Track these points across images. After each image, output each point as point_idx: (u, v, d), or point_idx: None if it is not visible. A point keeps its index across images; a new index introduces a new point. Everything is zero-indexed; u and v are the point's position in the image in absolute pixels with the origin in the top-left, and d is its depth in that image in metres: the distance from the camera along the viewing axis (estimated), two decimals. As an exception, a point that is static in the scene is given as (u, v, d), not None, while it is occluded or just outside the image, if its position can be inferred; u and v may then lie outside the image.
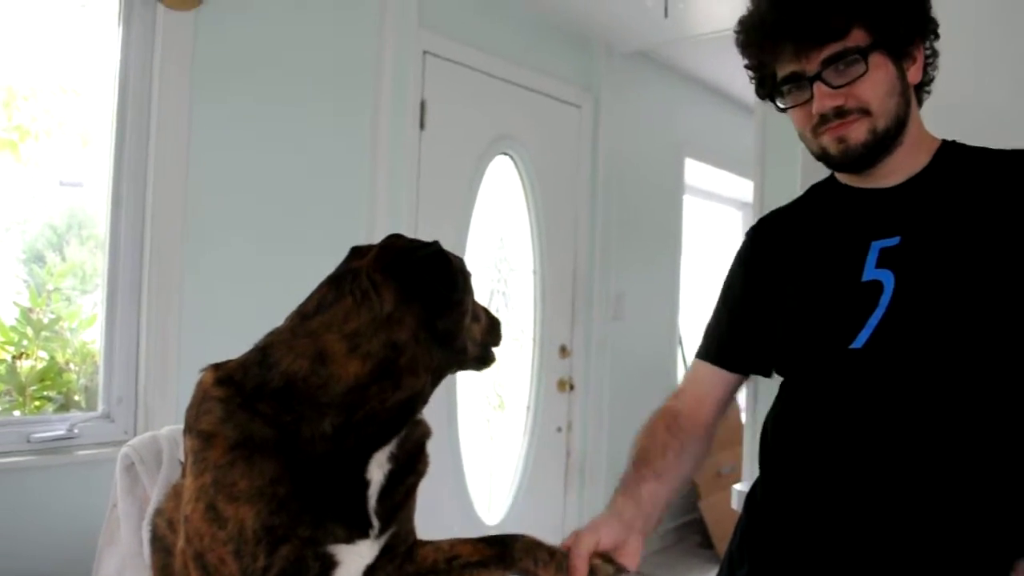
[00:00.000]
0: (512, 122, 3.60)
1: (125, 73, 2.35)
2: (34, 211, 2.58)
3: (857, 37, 1.12)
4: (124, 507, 1.47)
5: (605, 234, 4.07)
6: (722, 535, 4.17)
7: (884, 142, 1.16)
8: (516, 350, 3.78)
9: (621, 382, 4.18)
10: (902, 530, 1.09)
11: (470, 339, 1.12)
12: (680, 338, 4.98)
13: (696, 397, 1.36)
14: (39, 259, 2.52)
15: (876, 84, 1.13)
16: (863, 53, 1.12)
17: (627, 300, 4.22)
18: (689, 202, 4.99)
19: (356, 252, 1.12)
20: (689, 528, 4.84)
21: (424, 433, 1.14)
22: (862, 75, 1.12)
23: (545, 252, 3.82)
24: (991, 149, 1.19)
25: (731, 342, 1.34)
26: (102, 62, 2.39)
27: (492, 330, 1.19)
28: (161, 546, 1.19)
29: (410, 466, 1.11)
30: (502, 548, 1.13)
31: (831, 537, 1.14)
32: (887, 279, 1.13)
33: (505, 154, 3.66)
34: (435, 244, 1.05)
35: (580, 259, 3.99)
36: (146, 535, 1.34)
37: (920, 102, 1.23)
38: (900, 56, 1.16)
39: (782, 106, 1.23)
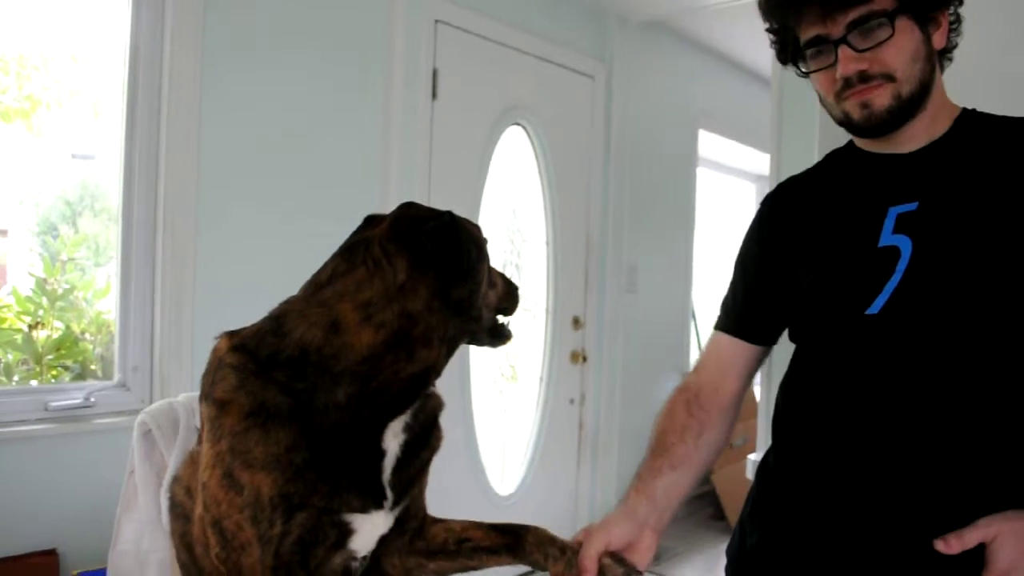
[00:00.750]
0: (525, 92, 3.57)
1: (136, 42, 2.34)
2: (47, 184, 2.58)
3: (883, 1, 1.11)
4: (141, 474, 1.47)
5: (618, 206, 4.05)
6: (734, 507, 4.18)
7: (909, 108, 1.14)
8: (529, 322, 3.78)
9: (634, 354, 4.18)
10: (915, 497, 1.08)
11: (485, 306, 1.12)
12: (693, 311, 4.97)
13: (717, 370, 1.35)
14: (53, 232, 2.54)
15: (901, 49, 1.12)
16: (890, 16, 1.10)
17: (640, 272, 4.21)
18: (703, 174, 4.96)
19: (370, 221, 1.12)
20: (702, 500, 4.86)
21: (437, 406, 1.15)
22: (888, 39, 1.11)
23: (558, 223, 3.81)
24: (1011, 117, 1.17)
25: (750, 312, 1.33)
26: (113, 31, 2.38)
27: (509, 295, 1.18)
28: (180, 512, 1.19)
29: (424, 439, 1.11)
30: (514, 538, 1.13)
31: (843, 504, 1.14)
32: (904, 245, 1.12)
33: (518, 124, 3.63)
34: (447, 213, 1.04)
35: (593, 230, 3.97)
36: (164, 502, 1.35)
37: (942, 68, 1.21)
38: (926, 20, 1.14)
39: (804, 70, 1.21)
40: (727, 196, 5.77)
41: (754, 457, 2.15)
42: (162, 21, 2.36)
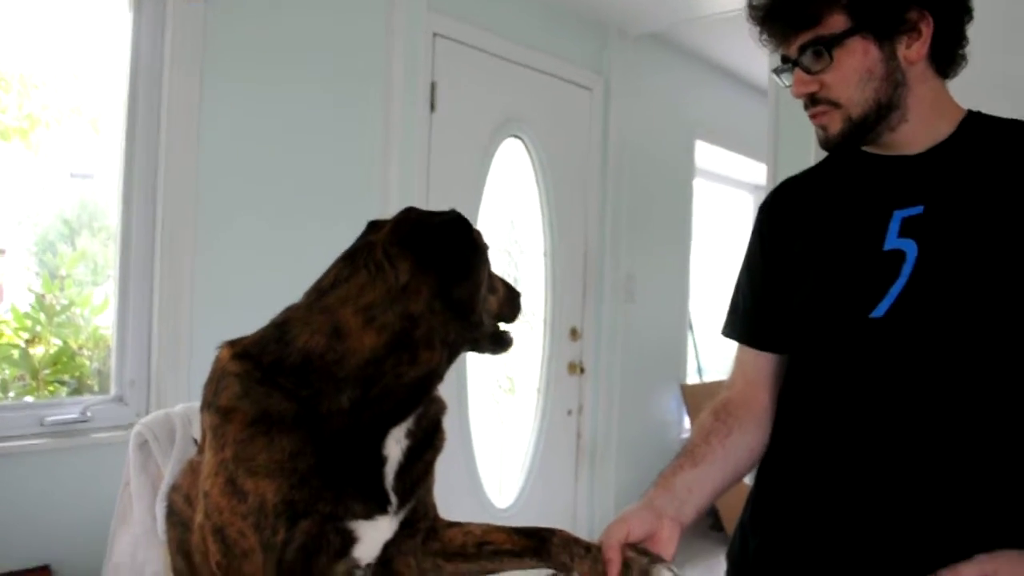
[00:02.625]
0: (522, 104, 3.58)
1: (136, 60, 2.35)
2: (46, 203, 2.58)
3: (834, 23, 1.11)
4: (137, 485, 1.47)
5: (616, 217, 4.06)
6: (732, 517, 4.17)
7: (862, 129, 1.15)
8: (527, 333, 3.78)
9: (632, 365, 4.17)
10: (918, 501, 1.08)
11: (486, 311, 1.12)
12: (691, 322, 4.97)
13: (745, 381, 1.33)
14: (51, 250, 2.54)
15: (846, 74, 1.12)
16: (834, 41, 1.11)
17: (638, 283, 4.21)
18: (700, 185, 4.96)
19: (373, 226, 1.12)
20: (700, 511, 4.84)
21: (440, 409, 1.14)
22: (828, 66, 1.12)
23: (556, 235, 3.81)
24: (1017, 120, 1.17)
25: (762, 322, 1.31)
26: (113, 49, 2.38)
27: (510, 302, 1.18)
28: (177, 520, 1.19)
29: (427, 442, 1.11)
30: (539, 541, 1.11)
31: (846, 508, 1.14)
32: (910, 248, 1.12)
33: (516, 136, 3.64)
34: (453, 211, 1.05)
35: (591, 242, 3.98)
36: (160, 512, 1.35)
37: (946, 73, 1.19)
38: (889, 35, 1.13)
39: (785, 83, 1.23)
40: (724, 207, 5.77)
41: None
42: (162, 39, 2.37)
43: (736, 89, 5.00)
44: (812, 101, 1.16)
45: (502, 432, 3.76)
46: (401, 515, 1.07)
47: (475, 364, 3.48)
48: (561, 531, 1.12)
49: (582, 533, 4.19)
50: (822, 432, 1.19)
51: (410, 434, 1.06)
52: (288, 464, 0.95)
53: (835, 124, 1.15)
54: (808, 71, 1.14)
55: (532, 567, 1.12)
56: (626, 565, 1.05)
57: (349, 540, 1.02)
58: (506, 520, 3.49)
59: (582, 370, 3.95)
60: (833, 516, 1.15)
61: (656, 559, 1.07)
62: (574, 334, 3.92)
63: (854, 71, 1.12)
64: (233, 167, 2.51)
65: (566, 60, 3.77)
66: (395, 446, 1.04)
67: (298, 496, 0.96)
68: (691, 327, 5.02)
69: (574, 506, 3.93)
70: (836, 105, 1.14)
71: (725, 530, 4.46)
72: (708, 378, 5.30)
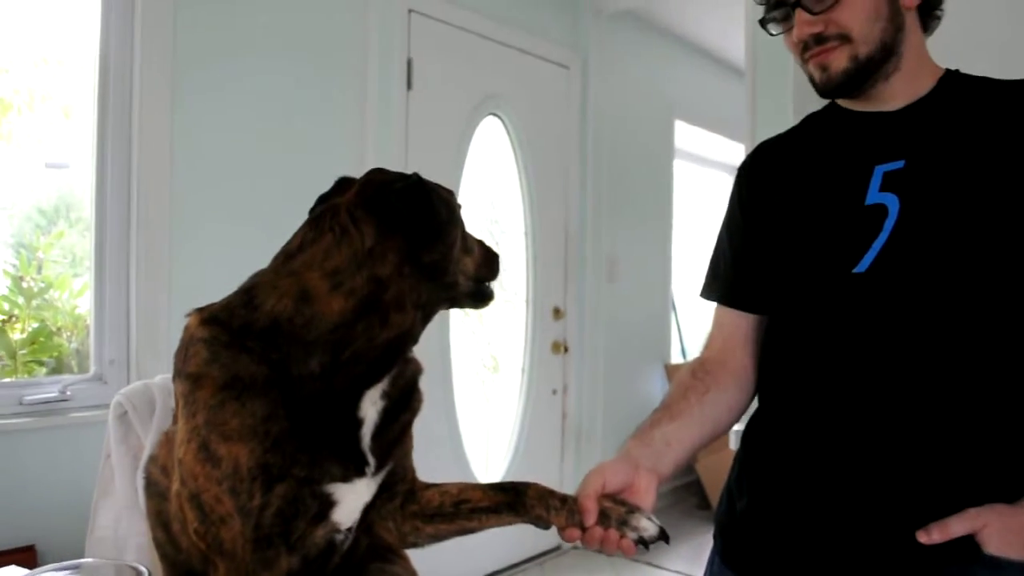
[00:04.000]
0: (500, 82, 3.57)
1: (106, 44, 2.33)
2: (21, 195, 2.55)
3: None
4: (117, 456, 1.46)
5: (596, 197, 4.06)
6: (719, 496, 4.20)
7: (867, 68, 1.14)
8: (509, 312, 3.78)
9: (615, 345, 4.19)
10: (904, 456, 1.08)
11: (461, 272, 1.10)
12: (673, 301, 4.99)
13: (723, 341, 1.32)
14: (26, 244, 2.51)
15: (856, 9, 1.12)
16: None
17: (620, 263, 4.22)
18: (680, 167, 4.98)
19: (341, 184, 1.11)
20: (687, 489, 4.87)
21: (416, 370, 1.13)
22: (837, 2, 1.11)
23: (536, 214, 3.81)
24: (995, 79, 1.17)
25: (742, 281, 1.31)
26: (83, 32, 2.36)
27: (488, 263, 1.16)
28: (155, 491, 1.18)
29: (404, 403, 1.10)
30: (515, 495, 1.10)
31: (832, 463, 1.14)
32: (892, 203, 1.12)
33: (494, 115, 3.63)
34: (415, 175, 1.03)
35: (572, 221, 3.98)
36: (140, 483, 1.34)
37: (928, 27, 1.20)
38: None
39: (772, 32, 1.21)
40: (704, 188, 5.78)
41: (738, 427, 2.14)
42: (132, 21, 2.34)
43: (714, 69, 5.01)
44: (817, 40, 1.14)
45: (488, 411, 3.76)
46: (379, 477, 1.06)
47: (460, 344, 3.48)
48: (536, 484, 1.11)
49: (568, 508, 4.15)
50: (806, 389, 1.19)
51: (385, 395, 1.05)
52: (261, 427, 0.94)
53: (840, 61, 1.14)
54: (811, 11, 1.13)
55: (509, 522, 1.12)
56: (604, 515, 1.05)
57: (327, 504, 1.00)
58: (492, 499, 3.50)
59: (566, 349, 3.95)
60: (819, 473, 1.15)
61: (633, 508, 1.07)
62: (557, 313, 3.92)
63: (864, 6, 1.12)
64: (207, 148, 2.50)
65: (543, 37, 3.76)
66: (371, 407, 1.03)
67: (272, 459, 0.94)
68: (674, 307, 5.04)
69: (560, 485, 3.89)
70: (846, 39, 1.12)
71: (711, 507, 4.49)
72: (692, 357, 5.31)
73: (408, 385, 1.11)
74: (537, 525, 1.09)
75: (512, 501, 1.10)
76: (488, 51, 3.50)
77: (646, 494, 1.09)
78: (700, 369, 1.30)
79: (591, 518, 1.03)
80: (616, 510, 1.06)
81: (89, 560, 0.88)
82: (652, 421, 1.22)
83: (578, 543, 1.06)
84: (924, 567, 1.05)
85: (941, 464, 1.07)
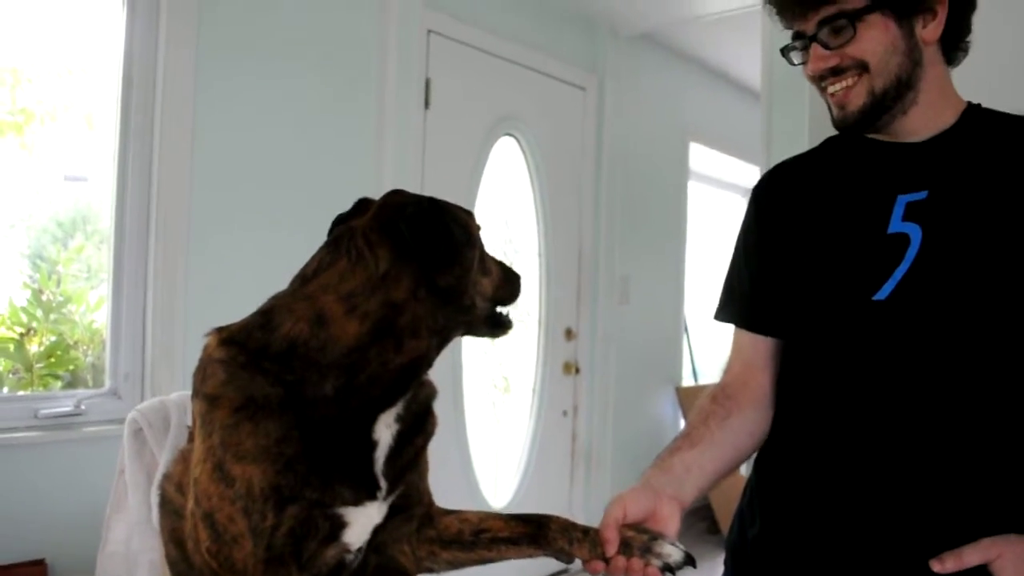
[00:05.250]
0: (517, 103, 3.59)
1: (130, 56, 2.35)
2: (39, 207, 2.58)
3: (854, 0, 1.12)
4: (131, 473, 1.46)
5: (610, 218, 4.06)
6: (729, 521, 4.17)
7: (883, 104, 1.14)
8: (522, 332, 3.77)
9: (627, 366, 4.17)
10: (920, 486, 1.08)
11: (479, 294, 1.10)
12: (686, 324, 4.98)
13: (743, 365, 1.32)
14: (45, 254, 2.53)
15: (872, 43, 1.12)
16: (856, 16, 1.11)
17: (633, 284, 4.22)
18: (694, 188, 4.98)
19: (361, 205, 1.12)
20: (696, 515, 4.83)
21: (430, 394, 1.13)
22: (851, 39, 1.12)
23: (550, 234, 3.81)
24: (1015, 115, 1.18)
25: (760, 305, 1.30)
26: (107, 43, 2.38)
27: (507, 283, 1.16)
28: (170, 509, 1.18)
29: (418, 427, 1.10)
30: (536, 527, 1.09)
31: (848, 490, 1.13)
32: (914, 232, 1.12)
33: (510, 135, 3.65)
34: (428, 199, 1.04)
35: (585, 242, 3.98)
36: (155, 500, 1.34)
37: (953, 60, 1.20)
38: (908, 13, 1.14)
39: (794, 62, 1.22)
40: (718, 210, 5.78)
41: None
42: (156, 35, 2.37)
43: (730, 91, 5.02)
44: (833, 73, 1.15)
45: (498, 432, 3.75)
46: (390, 499, 1.06)
47: (471, 364, 3.48)
48: (558, 517, 1.10)
49: (578, 531, 4.10)
50: (823, 416, 1.18)
51: (400, 419, 1.05)
52: (274, 449, 0.95)
53: (857, 98, 1.14)
54: (827, 46, 1.14)
55: (530, 555, 1.11)
56: (626, 544, 1.04)
57: (338, 525, 1.01)
58: (502, 519, 3.48)
59: (577, 371, 3.95)
60: (834, 500, 1.15)
61: (656, 535, 1.06)
62: (569, 334, 3.92)
63: (878, 42, 1.12)
64: (227, 164, 2.51)
65: (560, 59, 3.78)
66: (385, 431, 1.03)
67: (284, 481, 0.95)
68: (686, 330, 5.02)
69: (569, 507, 3.92)
70: (864, 69, 1.13)
71: (721, 532, 4.45)
72: (704, 380, 5.30)
73: (422, 408, 1.11)
74: (559, 558, 1.09)
75: (534, 533, 1.10)
76: (505, 72, 3.51)
77: (670, 521, 1.08)
78: (721, 394, 1.29)
79: (612, 548, 1.02)
80: (638, 538, 1.05)
81: (103, 579, 0.88)
82: (671, 449, 1.22)
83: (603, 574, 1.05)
84: None
85: (957, 493, 1.06)
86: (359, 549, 1.08)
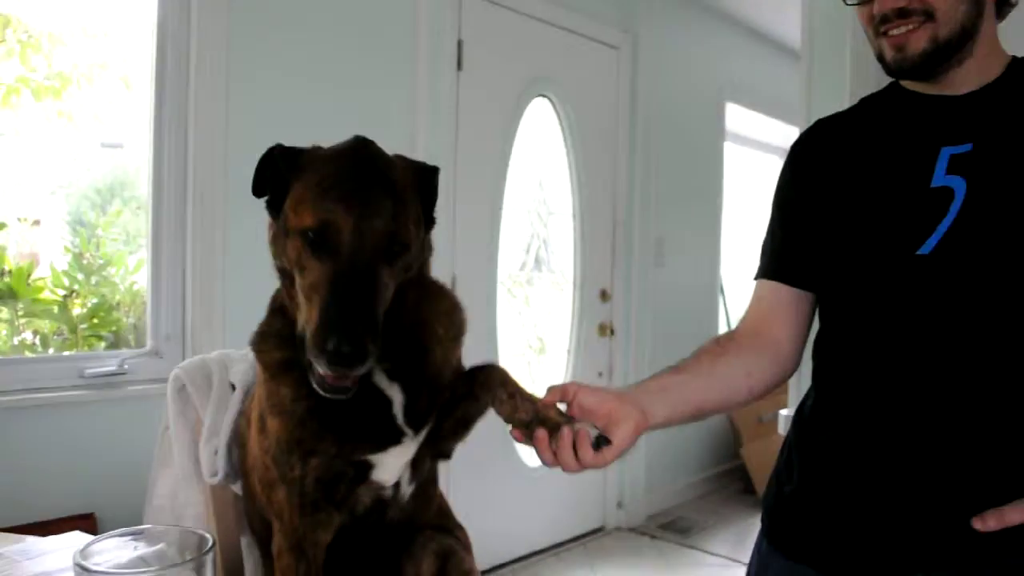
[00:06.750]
0: (550, 63, 3.56)
1: (164, 20, 2.37)
2: (78, 174, 2.61)
3: None
4: (176, 429, 1.49)
5: (645, 179, 4.03)
6: (764, 481, 4.17)
7: (945, 52, 1.11)
8: (556, 294, 3.77)
9: (662, 328, 4.16)
10: (963, 440, 1.07)
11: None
12: (721, 285, 4.94)
13: (759, 314, 1.30)
14: (84, 222, 2.58)
15: None
16: None
17: (668, 246, 4.19)
18: (730, 149, 4.91)
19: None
20: (731, 475, 4.85)
21: (442, 361, 1.13)
22: None
23: (585, 196, 3.80)
24: None
25: (789, 254, 1.29)
26: (141, 5, 2.40)
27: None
28: (242, 442, 1.27)
29: (433, 389, 1.11)
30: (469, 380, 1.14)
31: (889, 446, 1.12)
32: (958, 185, 1.10)
33: (543, 96, 3.62)
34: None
35: (619, 203, 3.96)
36: (204, 455, 1.40)
37: (1002, 14, 1.18)
38: None
39: (849, 2, 1.19)
40: (755, 170, 5.71)
41: (785, 413, 2.12)
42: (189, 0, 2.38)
43: (767, 50, 4.92)
44: (899, 14, 1.11)
45: (532, 393, 3.77)
46: (422, 435, 1.08)
47: (506, 325, 3.49)
48: (494, 369, 1.14)
49: (613, 497, 4.20)
50: (864, 371, 1.17)
51: (392, 375, 1.05)
52: (289, 407, 1.03)
53: (919, 42, 1.11)
54: None
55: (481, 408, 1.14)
56: (553, 426, 1.05)
57: (365, 468, 1.06)
58: (537, 479, 3.51)
59: (612, 332, 3.95)
60: (875, 456, 1.14)
61: (570, 419, 1.05)
62: (604, 296, 3.91)
63: None
64: (261, 128, 2.52)
65: (593, 18, 3.73)
66: (390, 389, 1.05)
67: (300, 435, 1.02)
68: (722, 291, 4.99)
69: (604, 468, 3.93)
70: (930, 17, 1.10)
71: (756, 493, 4.46)
72: (738, 342, 5.26)
73: (434, 372, 1.12)
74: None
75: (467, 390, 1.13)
76: (538, 32, 3.48)
77: (623, 424, 1.05)
78: (724, 337, 1.29)
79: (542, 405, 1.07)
80: (586, 429, 1.04)
81: (153, 527, 0.91)
82: (654, 375, 1.20)
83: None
84: (977, 554, 1.05)
85: (1002, 450, 1.05)
86: (396, 484, 1.10)
